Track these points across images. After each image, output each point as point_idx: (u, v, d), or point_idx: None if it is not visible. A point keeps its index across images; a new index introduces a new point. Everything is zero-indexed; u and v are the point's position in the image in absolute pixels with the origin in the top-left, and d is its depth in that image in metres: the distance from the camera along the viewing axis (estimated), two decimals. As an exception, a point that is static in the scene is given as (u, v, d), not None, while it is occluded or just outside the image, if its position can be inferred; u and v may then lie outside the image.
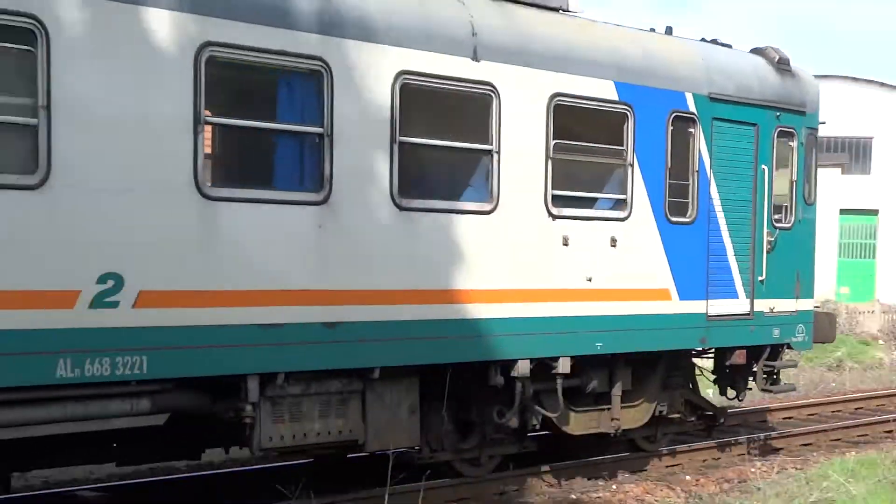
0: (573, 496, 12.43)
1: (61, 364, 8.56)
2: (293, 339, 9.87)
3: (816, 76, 15.53)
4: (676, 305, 13.07)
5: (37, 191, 8.45)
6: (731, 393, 14.85)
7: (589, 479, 13.24)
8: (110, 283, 8.79)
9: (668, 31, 13.87)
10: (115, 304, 8.83)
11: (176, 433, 10.08)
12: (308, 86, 10.07)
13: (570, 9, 12.58)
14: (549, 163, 11.74)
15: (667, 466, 14.38)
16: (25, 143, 8.52)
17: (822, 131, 15.21)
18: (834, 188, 37.75)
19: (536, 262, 11.70)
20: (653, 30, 13.72)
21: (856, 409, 20.02)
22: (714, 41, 14.33)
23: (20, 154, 8.51)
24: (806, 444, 16.31)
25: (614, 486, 12.97)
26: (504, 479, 12.51)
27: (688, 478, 13.88)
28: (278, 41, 9.73)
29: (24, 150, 8.49)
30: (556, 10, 12.42)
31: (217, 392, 9.81)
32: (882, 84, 47.96)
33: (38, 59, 8.47)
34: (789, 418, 18.46)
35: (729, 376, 14.78)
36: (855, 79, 50.15)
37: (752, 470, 13.90)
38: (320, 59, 10.01)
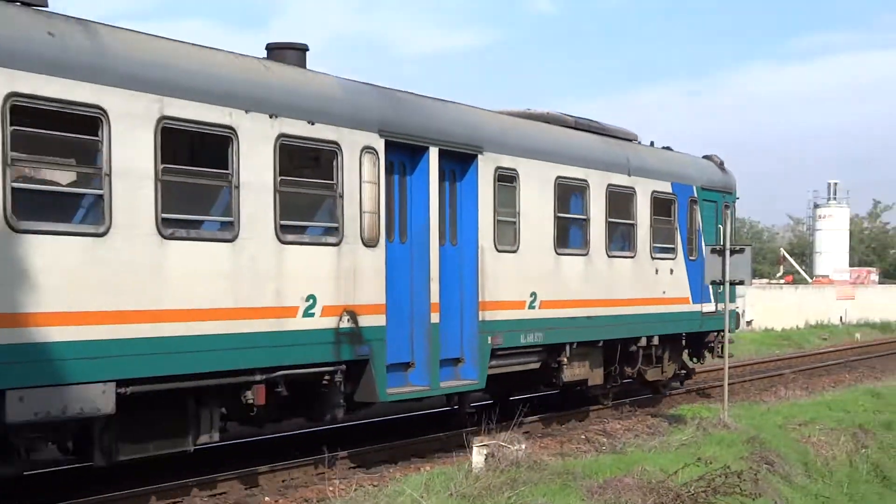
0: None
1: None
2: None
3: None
4: (691, 307, 23.25)
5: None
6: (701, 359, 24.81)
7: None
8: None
9: (668, 148, 24.16)
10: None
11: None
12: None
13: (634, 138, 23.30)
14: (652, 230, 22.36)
15: (246, 488, 14.25)
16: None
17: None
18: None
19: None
20: (669, 147, 24.23)
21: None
22: (707, 157, 25.29)
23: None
24: (382, 461, 16.61)
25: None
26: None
27: (267, 499, 13.82)
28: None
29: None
30: (631, 139, 23.05)
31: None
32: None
33: None
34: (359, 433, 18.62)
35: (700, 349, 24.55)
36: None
37: (331, 489, 13.97)
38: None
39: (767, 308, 54.27)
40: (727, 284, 18.40)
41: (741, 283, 18.54)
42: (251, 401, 13.44)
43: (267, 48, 15.37)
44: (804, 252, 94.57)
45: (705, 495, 13.19)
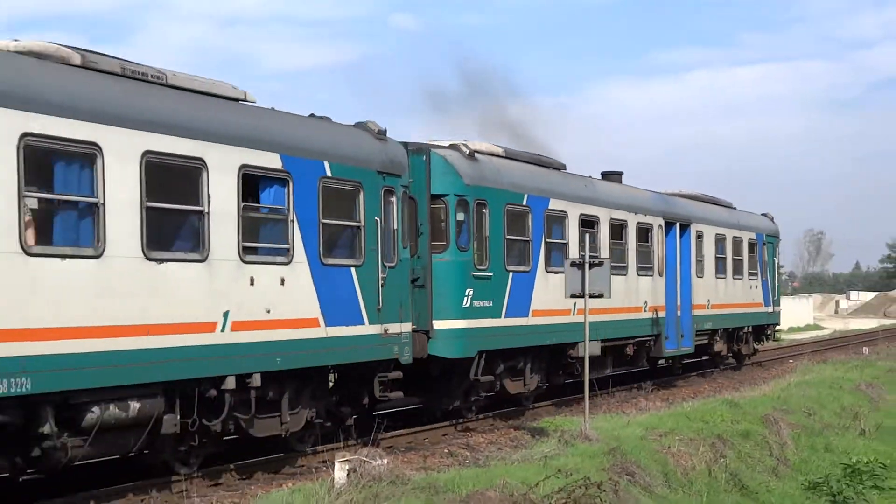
0: None
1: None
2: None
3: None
4: (763, 308, 37.79)
5: None
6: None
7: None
8: None
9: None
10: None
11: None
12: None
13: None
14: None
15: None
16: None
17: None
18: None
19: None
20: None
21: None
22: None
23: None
24: (245, 478, 16.49)
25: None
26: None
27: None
28: None
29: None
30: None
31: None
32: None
33: None
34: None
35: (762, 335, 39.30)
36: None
37: (193, 508, 13.83)
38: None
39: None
40: (587, 297, 18.71)
41: (600, 295, 18.84)
42: None
43: None
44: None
45: (566, 506, 13.39)
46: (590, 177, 27.38)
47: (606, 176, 29.11)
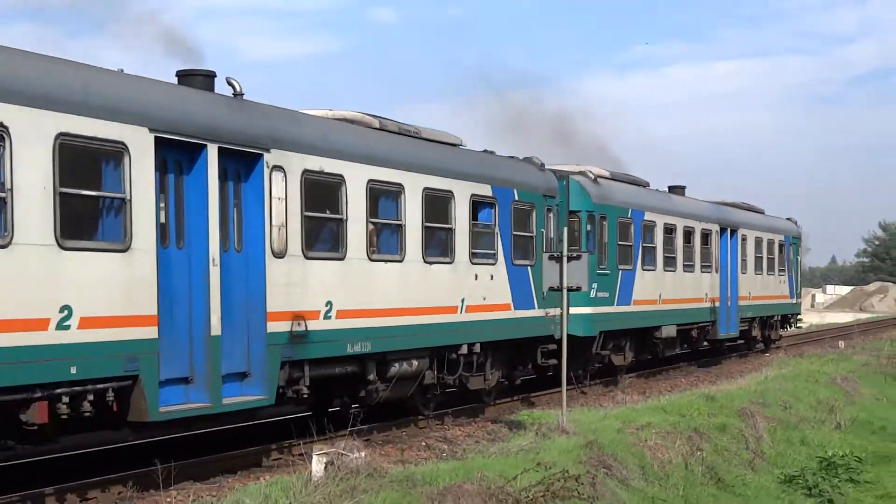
0: None
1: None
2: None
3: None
4: (789, 300, 44.10)
5: None
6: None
7: None
8: None
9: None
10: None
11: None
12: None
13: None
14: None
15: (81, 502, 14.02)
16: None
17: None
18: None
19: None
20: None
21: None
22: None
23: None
24: (223, 471, 16.48)
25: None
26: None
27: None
28: None
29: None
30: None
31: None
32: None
33: None
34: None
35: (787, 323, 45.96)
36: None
37: (168, 500, 13.82)
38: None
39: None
40: (565, 291, 18.79)
41: (578, 289, 18.93)
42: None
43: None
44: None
45: (544, 499, 13.42)
46: (665, 191, 35.00)
47: (672, 189, 35.74)
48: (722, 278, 36.36)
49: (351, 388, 18.89)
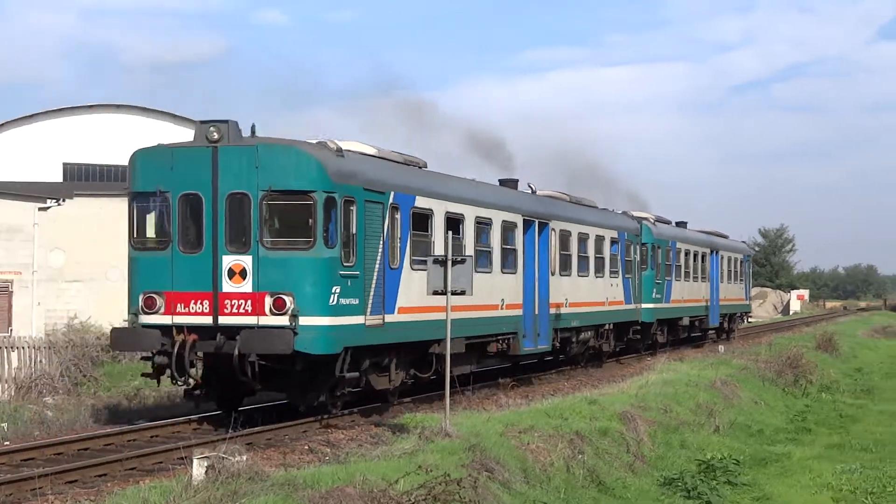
0: None
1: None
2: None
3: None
4: (744, 302, 60.96)
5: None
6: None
7: None
8: None
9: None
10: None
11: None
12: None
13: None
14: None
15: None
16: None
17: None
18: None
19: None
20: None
21: (151, 437, 20.43)
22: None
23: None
24: (101, 475, 16.34)
25: None
26: None
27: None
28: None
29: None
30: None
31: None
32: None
33: None
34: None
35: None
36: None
37: (45, 505, 13.66)
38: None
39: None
40: (449, 295, 18.93)
41: (462, 293, 19.06)
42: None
43: None
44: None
45: (425, 503, 13.58)
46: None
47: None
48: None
49: None
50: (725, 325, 54.78)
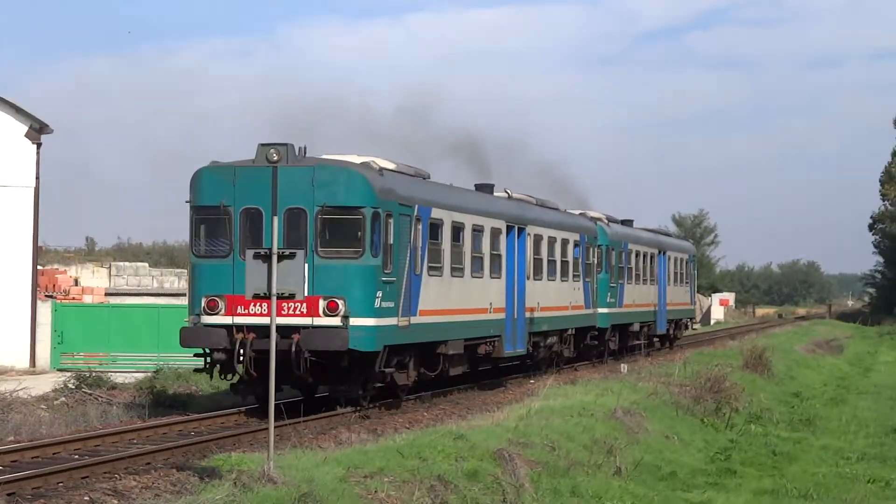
0: None
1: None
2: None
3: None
4: (690, 306, 70.99)
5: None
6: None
7: None
8: None
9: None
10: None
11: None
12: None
13: None
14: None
15: None
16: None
17: None
18: None
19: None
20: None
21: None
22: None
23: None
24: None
25: None
26: None
27: None
28: None
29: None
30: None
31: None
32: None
33: None
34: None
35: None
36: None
37: None
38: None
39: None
40: (274, 297, 18.98)
41: (292, 296, 19.17)
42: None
43: None
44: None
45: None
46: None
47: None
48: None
49: None
50: (671, 332, 63.00)
